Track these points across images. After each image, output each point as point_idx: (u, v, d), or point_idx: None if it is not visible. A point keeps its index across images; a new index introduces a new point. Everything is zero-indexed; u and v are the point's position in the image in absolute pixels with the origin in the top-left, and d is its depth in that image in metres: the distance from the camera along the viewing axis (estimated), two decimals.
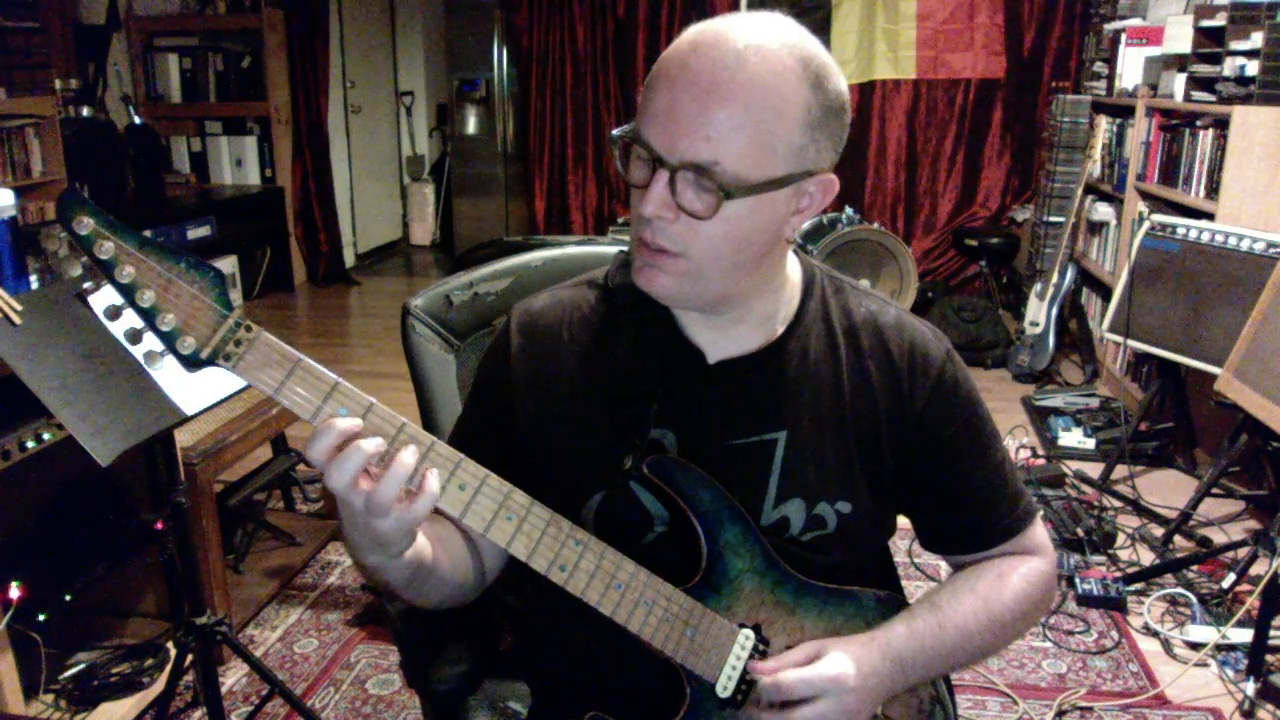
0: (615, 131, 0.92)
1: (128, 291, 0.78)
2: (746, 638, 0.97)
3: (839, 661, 0.94)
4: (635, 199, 0.91)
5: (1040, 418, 3.79)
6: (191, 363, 0.80)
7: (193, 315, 0.79)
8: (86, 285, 0.80)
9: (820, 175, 0.93)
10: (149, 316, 0.79)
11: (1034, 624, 1.62)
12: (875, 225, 4.60)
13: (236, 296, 5.63)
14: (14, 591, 1.76)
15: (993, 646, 1.05)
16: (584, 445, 1.01)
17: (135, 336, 0.80)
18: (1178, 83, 3.66)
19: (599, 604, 0.91)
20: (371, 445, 0.81)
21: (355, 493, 0.81)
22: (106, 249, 0.77)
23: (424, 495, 0.83)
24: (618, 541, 0.96)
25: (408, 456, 0.82)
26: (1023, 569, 1.06)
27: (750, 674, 0.97)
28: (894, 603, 1.07)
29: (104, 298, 0.81)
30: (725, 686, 0.96)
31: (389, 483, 0.81)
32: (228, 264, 5.54)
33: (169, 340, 0.79)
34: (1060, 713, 2.17)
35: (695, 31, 0.89)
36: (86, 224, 0.76)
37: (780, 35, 0.88)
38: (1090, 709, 2.17)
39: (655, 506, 1.00)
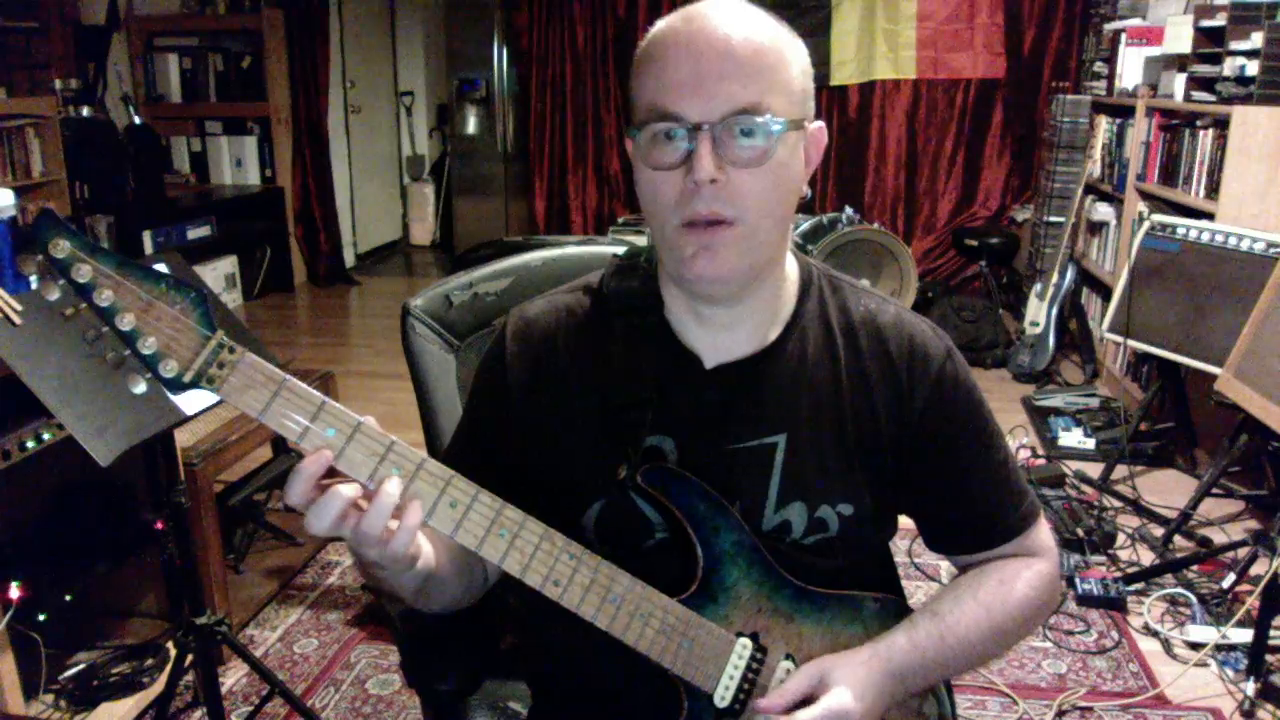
0: (641, 128, 0.90)
1: (107, 315, 0.76)
2: (744, 647, 0.97)
3: (843, 695, 0.93)
4: (671, 182, 0.90)
5: (1040, 418, 3.79)
6: (175, 386, 0.79)
7: (174, 338, 0.78)
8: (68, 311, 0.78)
9: (813, 126, 0.96)
10: (129, 340, 0.77)
11: (1037, 628, 1.62)
12: (875, 225, 4.59)
13: (237, 296, 5.63)
14: (14, 591, 1.76)
15: (995, 653, 1.04)
16: (581, 453, 1.01)
17: (118, 361, 0.78)
18: (1178, 83, 3.66)
19: (594, 618, 0.91)
20: (349, 490, 0.81)
21: (342, 530, 0.82)
22: (84, 272, 0.75)
23: (401, 530, 0.83)
24: (619, 548, 0.96)
25: (391, 488, 0.81)
26: (1026, 574, 1.05)
27: (752, 682, 0.96)
28: (893, 606, 1.06)
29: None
30: (723, 696, 0.96)
31: (373, 517, 0.81)
32: (228, 264, 5.54)
33: (151, 364, 0.78)
34: (1060, 713, 2.17)
35: (676, 14, 0.92)
36: (63, 247, 0.74)
37: (749, 4, 0.93)
38: (1090, 709, 2.17)
39: (655, 513, 0.99)
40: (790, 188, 0.94)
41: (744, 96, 0.88)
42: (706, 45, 0.88)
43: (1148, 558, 2.78)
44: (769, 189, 0.91)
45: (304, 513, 0.81)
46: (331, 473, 0.82)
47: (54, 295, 0.76)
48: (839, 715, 0.92)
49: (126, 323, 0.77)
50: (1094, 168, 4.47)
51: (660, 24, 0.93)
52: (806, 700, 0.93)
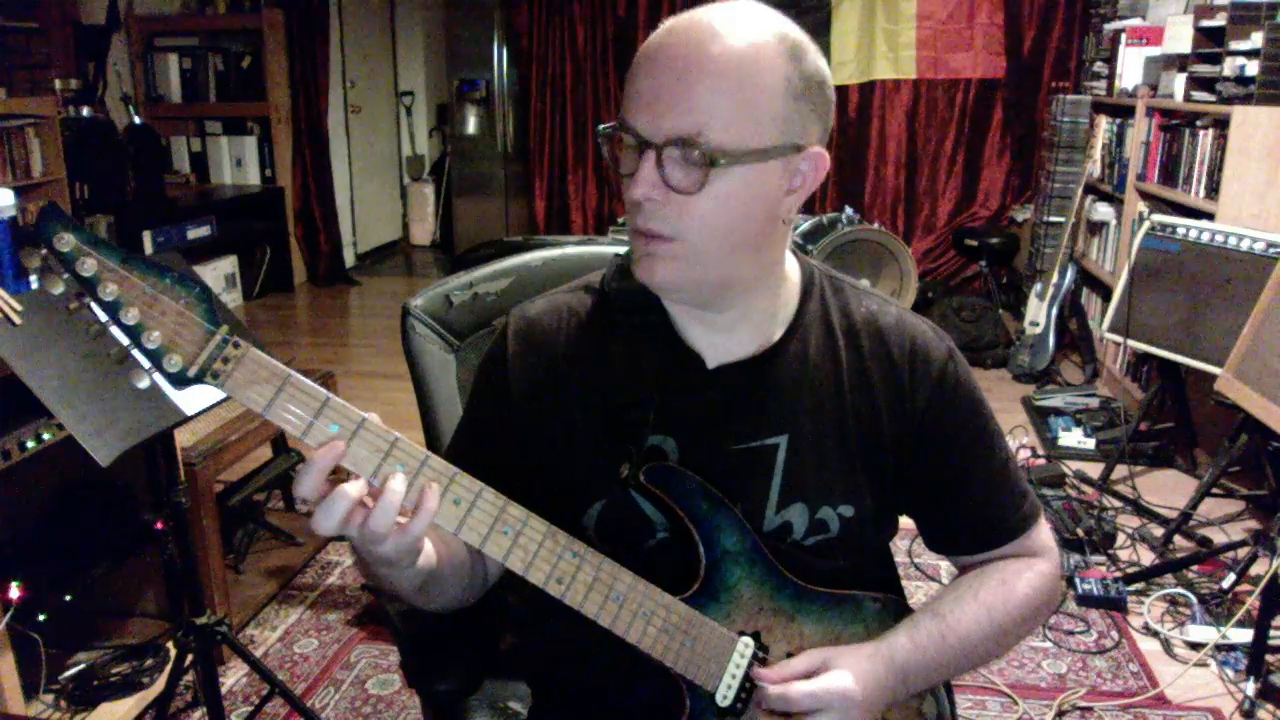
0: (601, 127, 0.92)
1: (111, 309, 0.76)
2: (746, 646, 0.97)
3: (845, 676, 0.93)
4: (626, 188, 0.91)
5: (1040, 418, 3.79)
6: (179, 381, 0.78)
7: (179, 332, 0.78)
8: (72, 305, 0.77)
9: (809, 150, 0.92)
10: (134, 334, 0.77)
11: (1038, 628, 1.62)
12: (875, 225, 4.59)
13: (237, 296, 5.63)
14: (14, 591, 1.76)
15: (996, 653, 1.05)
16: (583, 453, 1.01)
17: (122, 356, 0.77)
18: (1178, 83, 3.66)
19: (597, 616, 0.91)
20: (355, 489, 0.80)
21: (348, 529, 0.81)
22: (88, 266, 0.75)
23: (420, 514, 0.82)
24: (620, 548, 0.96)
25: (397, 484, 0.81)
26: (1027, 574, 1.05)
27: (753, 680, 0.96)
28: (894, 606, 1.06)
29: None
30: (725, 695, 0.96)
31: (380, 514, 0.81)
32: (228, 264, 5.54)
33: (155, 358, 0.77)
34: (1060, 713, 2.17)
35: (670, 21, 0.91)
36: (68, 240, 0.74)
37: (754, 14, 0.90)
38: (1090, 709, 2.17)
39: (655, 513, 0.99)
40: (750, 213, 0.90)
41: (685, 125, 0.85)
42: (666, 65, 0.87)
43: (1148, 558, 2.78)
44: (714, 213, 0.89)
45: (311, 510, 0.81)
46: (334, 474, 0.82)
47: (57, 289, 0.75)
48: (839, 695, 0.92)
49: (131, 317, 0.76)
50: (1094, 168, 4.47)
51: (658, 28, 0.92)
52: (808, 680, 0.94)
